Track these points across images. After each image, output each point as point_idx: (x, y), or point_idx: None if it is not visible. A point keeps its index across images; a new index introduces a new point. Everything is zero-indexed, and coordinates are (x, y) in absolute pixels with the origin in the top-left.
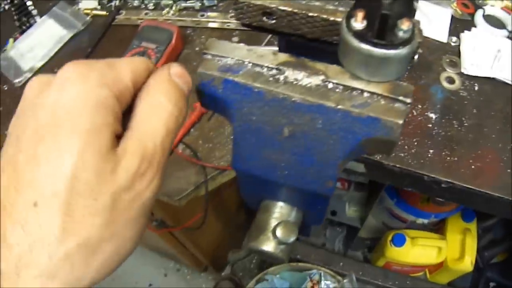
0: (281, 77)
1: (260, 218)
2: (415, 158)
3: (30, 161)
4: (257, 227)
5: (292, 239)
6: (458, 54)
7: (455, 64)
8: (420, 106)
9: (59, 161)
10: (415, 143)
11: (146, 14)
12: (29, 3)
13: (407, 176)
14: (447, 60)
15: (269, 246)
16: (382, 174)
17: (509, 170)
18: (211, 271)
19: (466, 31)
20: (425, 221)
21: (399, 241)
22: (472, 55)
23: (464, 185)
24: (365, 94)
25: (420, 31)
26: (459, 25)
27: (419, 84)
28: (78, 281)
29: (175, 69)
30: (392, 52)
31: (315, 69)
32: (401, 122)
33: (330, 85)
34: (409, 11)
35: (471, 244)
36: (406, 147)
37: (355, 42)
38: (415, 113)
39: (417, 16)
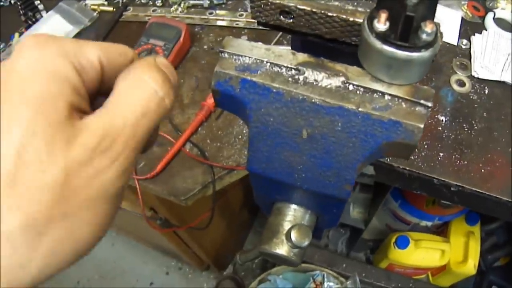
0: (301, 78)
1: (272, 221)
2: (425, 161)
3: None
4: (270, 230)
5: (306, 243)
6: (469, 57)
7: (466, 67)
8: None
9: (6, 129)
10: (425, 146)
11: (153, 11)
12: None
13: (417, 179)
14: (458, 63)
15: (282, 249)
16: (391, 176)
17: None
18: (213, 270)
19: (476, 34)
20: (429, 223)
21: (402, 243)
22: (483, 58)
23: (474, 189)
24: (386, 97)
25: (441, 33)
26: (470, 27)
27: (429, 87)
28: (22, 268)
29: (161, 59)
30: (415, 54)
31: (335, 70)
32: (422, 126)
33: (350, 87)
34: (432, 13)
35: (475, 247)
36: (416, 150)
37: (378, 44)
38: None
39: None
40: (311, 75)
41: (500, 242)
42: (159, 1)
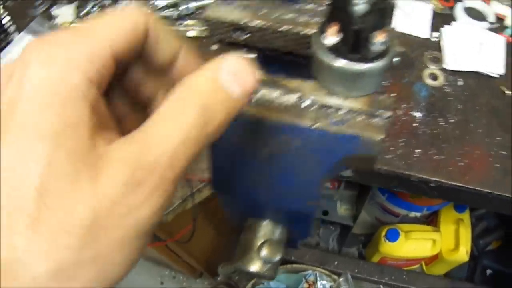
0: (255, 97)
1: (244, 238)
2: (402, 159)
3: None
4: (242, 246)
5: (277, 258)
6: (440, 50)
7: (438, 60)
8: (404, 106)
9: (24, 169)
10: (401, 144)
11: None
12: (5, 20)
13: (395, 178)
14: (430, 56)
15: (255, 266)
16: (369, 177)
17: (497, 165)
18: (207, 276)
19: (446, 26)
20: (418, 214)
21: (392, 236)
22: (454, 49)
23: (453, 183)
24: (342, 111)
25: (395, 41)
26: (440, 19)
27: (402, 83)
28: None
29: (230, 66)
30: (368, 66)
31: (290, 87)
32: (380, 137)
33: (305, 103)
34: (385, 21)
35: (465, 234)
36: (392, 148)
37: (329, 58)
38: (399, 113)
39: (397, 13)
40: (266, 94)
41: (491, 226)
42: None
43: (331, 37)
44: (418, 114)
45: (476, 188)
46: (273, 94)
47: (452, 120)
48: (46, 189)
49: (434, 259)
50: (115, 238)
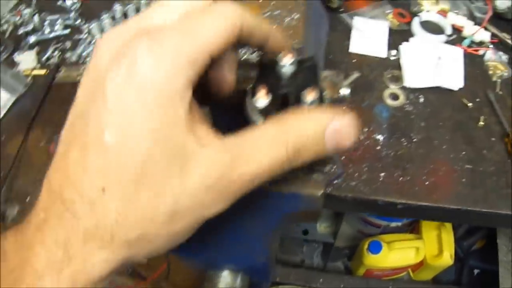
0: None
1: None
2: (366, 184)
3: (98, 147)
4: None
5: None
6: (400, 68)
7: (398, 79)
8: (366, 130)
9: (129, 157)
10: (365, 169)
11: (84, 69)
12: None
13: (361, 203)
14: (389, 75)
15: None
16: (336, 204)
17: (463, 179)
18: None
19: (404, 43)
20: (399, 223)
21: (375, 248)
22: (413, 66)
23: (420, 203)
24: None
25: (326, 95)
26: (398, 36)
27: (362, 107)
28: (132, 258)
29: (338, 124)
30: None
31: None
32: (320, 193)
33: None
34: (313, 78)
35: (448, 239)
36: (356, 174)
37: (260, 120)
38: (361, 138)
39: (354, 35)
40: None
41: (473, 227)
42: (89, 59)
43: (261, 100)
44: (380, 137)
45: (445, 206)
46: None
47: (416, 139)
48: (143, 175)
49: (419, 266)
50: (185, 225)
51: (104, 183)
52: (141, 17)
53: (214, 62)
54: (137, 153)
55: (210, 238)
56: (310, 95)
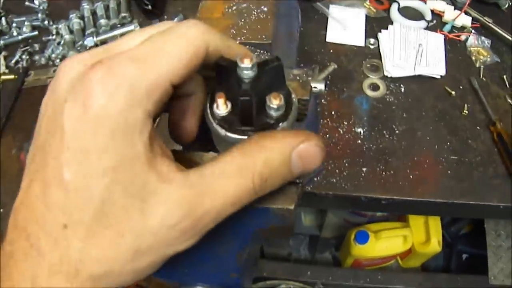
0: None
1: None
2: (348, 180)
3: (58, 184)
4: None
5: None
6: (379, 57)
7: (377, 68)
8: (345, 123)
9: (88, 194)
10: (346, 165)
11: (54, 71)
12: None
13: (344, 200)
14: (368, 65)
15: None
16: (317, 202)
17: (449, 172)
18: None
19: (383, 30)
20: (385, 213)
21: (362, 238)
22: (393, 55)
23: (404, 198)
24: None
25: (295, 99)
26: (376, 24)
27: (341, 99)
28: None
29: (304, 148)
30: None
31: (190, 161)
32: (292, 207)
33: None
34: (280, 80)
35: (435, 225)
36: (337, 170)
37: (221, 132)
38: (341, 132)
39: (330, 24)
40: None
41: None
42: (58, 61)
43: (220, 109)
44: (361, 130)
45: (430, 200)
46: None
47: (398, 131)
48: (103, 213)
49: (408, 253)
50: (150, 262)
51: (66, 220)
52: (109, 46)
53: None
54: (96, 192)
55: (181, 256)
56: (274, 101)
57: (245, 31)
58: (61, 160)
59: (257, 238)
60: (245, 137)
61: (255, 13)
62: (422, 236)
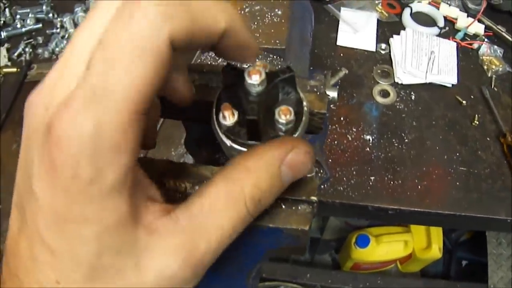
0: (163, 192)
1: None
2: (355, 189)
3: (43, 246)
4: None
5: None
6: (390, 63)
7: (388, 74)
8: (354, 130)
9: (76, 261)
10: (354, 173)
11: None
12: None
13: (351, 208)
14: (379, 71)
15: None
16: (323, 210)
17: (458, 183)
18: None
19: (395, 36)
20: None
21: (363, 242)
22: (404, 61)
23: (412, 209)
24: None
25: (307, 108)
26: (387, 28)
27: (351, 104)
28: None
29: (292, 158)
30: None
31: (200, 175)
32: (307, 228)
33: None
34: (292, 93)
35: (436, 231)
36: (344, 178)
37: (227, 142)
38: (350, 138)
39: (341, 27)
40: (172, 186)
41: None
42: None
43: (226, 120)
44: (370, 137)
45: (438, 212)
46: (181, 186)
47: (407, 140)
48: (96, 274)
49: (408, 258)
50: None
51: (57, 277)
52: (61, 70)
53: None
54: (84, 258)
55: None
56: (284, 116)
57: (258, 35)
58: (40, 226)
59: (267, 256)
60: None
61: (269, 16)
62: (423, 242)
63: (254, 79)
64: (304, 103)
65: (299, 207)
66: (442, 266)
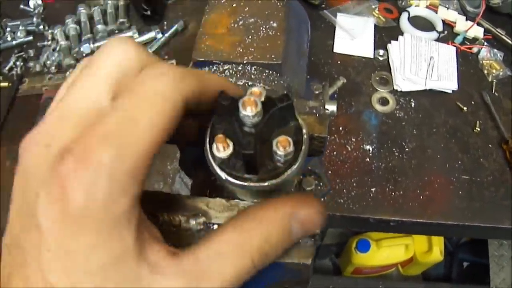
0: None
1: None
2: (356, 201)
3: (43, 284)
4: None
5: None
6: (388, 69)
7: (386, 82)
8: (353, 140)
9: None
10: (354, 184)
11: (49, 79)
12: None
13: (352, 220)
14: (377, 78)
15: None
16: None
17: (460, 192)
18: None
19: (393, 41)
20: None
21: (363, 247)
22: (403, 68)
23: (414, 220)
24: None
25: (306, 136)
26: (385, 34)
27: (349, 113)
28: None
29: (305, 216)
30: (270, 183)
31: (195, 208)
32: (309, 262)
33: (214, 227)
34: (290, 121)
35: None
36: (344, 190)
37: (222, 175)
38: (349, 149)
39: (337, 33)
40: (167, 220)
41: None
42: (53, 68)
43: (221, 151)
44: (369, 147)
45: (440, 222)
46: (175, 220)
47: (408, 148)
48: None
49: (409, 262)
50: None
51: None
52: (64, 107)
53: None
54: None
55: None
56: (282, 148)
57: (252, 50)
58: (43, 262)
59: None
60: (247, 183)
61: (264, 29)
62: (424, 245)
63: (249, 111)
64: (304, 131)
65: (301, 241)
66: (443, 268)
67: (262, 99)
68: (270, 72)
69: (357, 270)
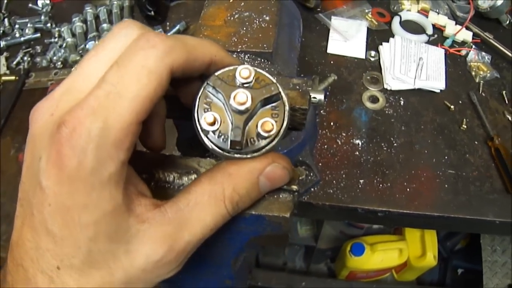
0: (152, 183)
1: None
2: (345, 192)
3: (46, 235)
4: None
5: None
6: (379, 69)
7: (377, 81)
8: (344, 134)
9: (74, 245)
10: (343, 176)
11: (55, 74)
12: None
13: (340, 212)
14: (368, 77)
15: None
16: (313, 212)
17: (446, 185)
18: None
19: (384, 43)
20: (381, 225)
21: (358, 251)
22: (393, 68)
23: (401, 211)
24: None
25: (288, 111)
26: (377, 36)
27: (340, 110)
28: None
29: (271, 170)
30: (251, 156)
31: (187, 167)
32: (288, 215)
33: None
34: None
35: (431, 239)
36: (334, 181)
37: (209, 145)
38: (339, 143)
39: (331, 35)
40: (162, 177)
41: None
42: (59, 63)
43: (209, 127)
44: (359, 142)
45: (426, 213)
46: (169, 177)
47: (396, 144)
48: (92, 258)
49: (403, 267)
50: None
51: (58, 263)
52: (70, 86)
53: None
54: (82, 243)
55: None
56: (266, 129)
57: (246, 39)
58: (45, 214)
59: (251, 245)
60: (231, 154)
61: (257, 21)
62: (418, 250)
63: (240, 103)
64: (286, 108)
65: (281, 196)
66: (437, 274)
67: (251, 79)
68: (262, 60)
69: (352, 274)
